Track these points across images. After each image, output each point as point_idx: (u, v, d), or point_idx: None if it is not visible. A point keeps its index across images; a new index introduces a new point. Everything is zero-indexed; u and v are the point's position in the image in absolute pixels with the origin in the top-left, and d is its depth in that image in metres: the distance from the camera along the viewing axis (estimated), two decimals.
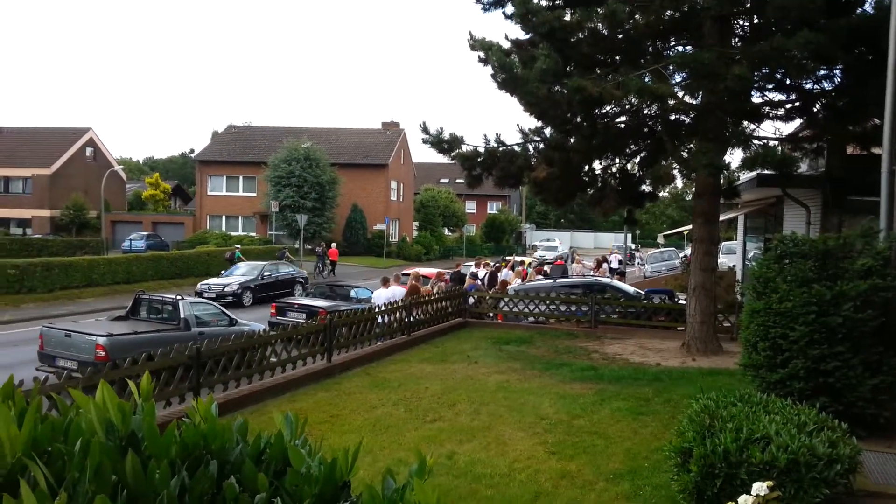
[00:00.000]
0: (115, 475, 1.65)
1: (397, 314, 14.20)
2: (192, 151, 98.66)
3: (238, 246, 35.37)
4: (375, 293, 16.63)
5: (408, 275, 20.58)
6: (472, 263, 24.19)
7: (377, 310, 13.69)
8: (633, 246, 61.04)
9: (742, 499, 4.14)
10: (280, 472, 1.90)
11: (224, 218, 51.34)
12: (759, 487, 4.16)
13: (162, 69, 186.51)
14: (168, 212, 61.76)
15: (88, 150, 53.12)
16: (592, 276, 21.79)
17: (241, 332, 10.57)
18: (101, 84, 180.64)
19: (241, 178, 51.28)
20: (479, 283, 20.52)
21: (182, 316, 12.81)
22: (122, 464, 1.66)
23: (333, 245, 40.19)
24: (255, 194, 49.43)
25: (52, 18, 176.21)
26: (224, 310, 14.27)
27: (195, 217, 52.73)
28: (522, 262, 28.84)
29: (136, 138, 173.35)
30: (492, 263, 24.90)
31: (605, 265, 26.01)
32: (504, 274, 22.48)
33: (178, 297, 13.39)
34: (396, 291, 15.77)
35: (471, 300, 17.81)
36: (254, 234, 48.76)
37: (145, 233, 46.92)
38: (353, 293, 18.45)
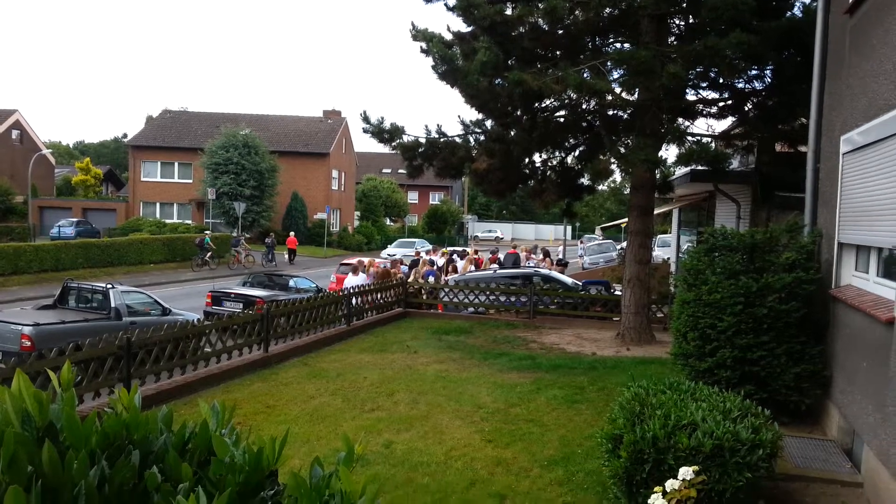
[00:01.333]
0: (31, 466, 1.60)
1: (340, 303, 14.13)
2: (125, 136, 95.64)
3: (208, 232, 35.94)
4: (347, 279, 17.88)
5: (348, 264, 21.16)
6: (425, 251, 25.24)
7: (316, 299, 13.60)
8: (578, 238, 61.96)
9: (669, 483, 4.27)
10: (205, 461, 1.87)
11: (158, 205, 49.95)
12: (686, 472, 4.29)
13: (94, 50, 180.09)
14: (99, 198, 59.61)
15: (14, 133, 50.84)
16: (532, 266, 22.10)
17: (175, 322, 10.33)
18: (29, 65, 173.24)
19: (176, 164, 49.95)
20: (437, 270, 20.95)
21: (113, 305, 12.44)
22: (39, 454, 1.61)
23: (292, 234, 40.33)
24: (191, 181, 48.25)
25: None
26: (157, 299, 13.91)
27: (128, 204, 51.13)
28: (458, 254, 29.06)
29: (66, 122, 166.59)
30: (437, 254, 25.47)
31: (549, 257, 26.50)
32: (460, 263, 23.03)
33: (109, 286, 12.99)
34: (363, 279, 17.16)
35: (411, 290, 17.85)
36: (189, 221, 47.59)
37: (75, 219, 45.14)
38: (291, 283, 18.22)
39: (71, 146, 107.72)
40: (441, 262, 22.99)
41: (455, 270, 21.67)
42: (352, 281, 17.13)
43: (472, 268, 22.52)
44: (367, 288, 15.95)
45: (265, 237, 38.21)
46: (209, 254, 32.63)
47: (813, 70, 8.65)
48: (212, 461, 1.80)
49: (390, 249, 39.41)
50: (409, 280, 18.63)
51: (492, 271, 19.95)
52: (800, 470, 6.35)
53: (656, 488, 4.11)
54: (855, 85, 7.23)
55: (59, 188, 59.04)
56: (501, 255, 24.87)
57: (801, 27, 11.06)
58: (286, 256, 38.27)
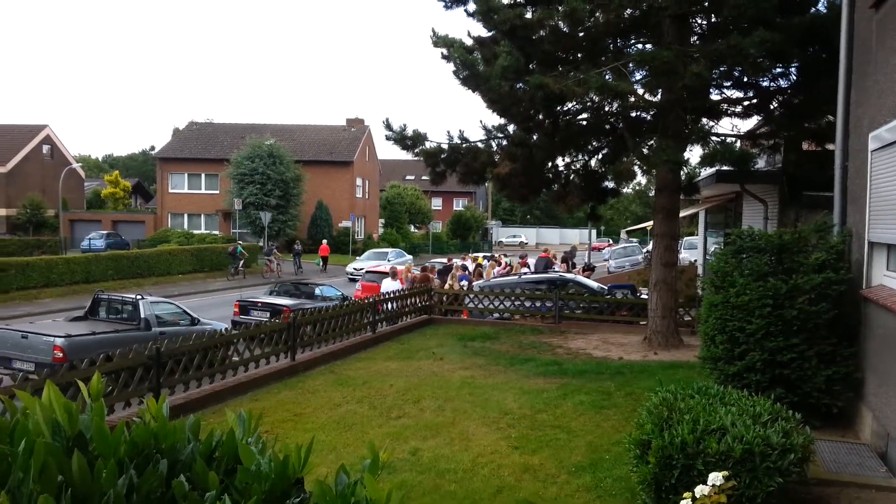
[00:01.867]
0: (62, 475, 1.63)
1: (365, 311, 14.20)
2: (152, 149, 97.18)
3: (240, 242, 37.71)
4: (384, 282, 18.69)
5: (375, 272, 21.83)
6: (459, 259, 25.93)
7: (342, 307, 13.69)
8: (609, 240, 61.65)
9: (698, 489, 4.22)
10: (232, 470, 1.89)
11: (186, 216, 50.62)
12: (715, 477, 4.24)
13: (121, 65, 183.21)
14: (128, 210, 60.62)
15: (45, 148, 51.84)
16: (557, 272, 22.12)
17: (203, 332, 10.44)
18: (59, 81, 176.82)
19: (203, 175, 50.59)
20: (469, 274, 22.04)
21: (142, 315, 12.61)
22: (69, 463, 1.64)
23: (324, 242, 41.12)
24: (217, 192, 48.82)
25: (6, 13, 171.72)
26: (186, 309, 14.08)
27: (156, 215, 51.88)
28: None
29: (94, 136, 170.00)
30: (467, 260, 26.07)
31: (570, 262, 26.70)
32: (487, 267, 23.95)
33: (139, 297, 13.17)
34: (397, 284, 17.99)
35: (436, 297, 17.86)
36: (217, 232, 48.14)
37: (105, 231, 45.89)
38: (317, 291, 18.33)
39: (100, 159, 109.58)
40: (472, 267, 23.52)
41: (481, 276, 21.95)
42: (389, 286, 17.79)
43: (497, 270, 23.00)
44: (393, 295, 15.99)
45: (292, 245, 38.76)
46: (241, 262, 33.20)
47: (839, 66, 8.53)
48: (238, 469, 1.81)
49: (357, 263, 35.83)
50: (445, 287, 19.05)
51: (518, 277, 19.96)
52: (832, 475, 6.24)
53: (685, 494, 4.06)
54: (882, 81, 7.11)
55: (89, 201, 60.06)
56: (531, 261, 25.21)
57: (825, 23, 10.90)
58: (318, 264, 39.04)
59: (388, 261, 32.41)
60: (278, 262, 35.52)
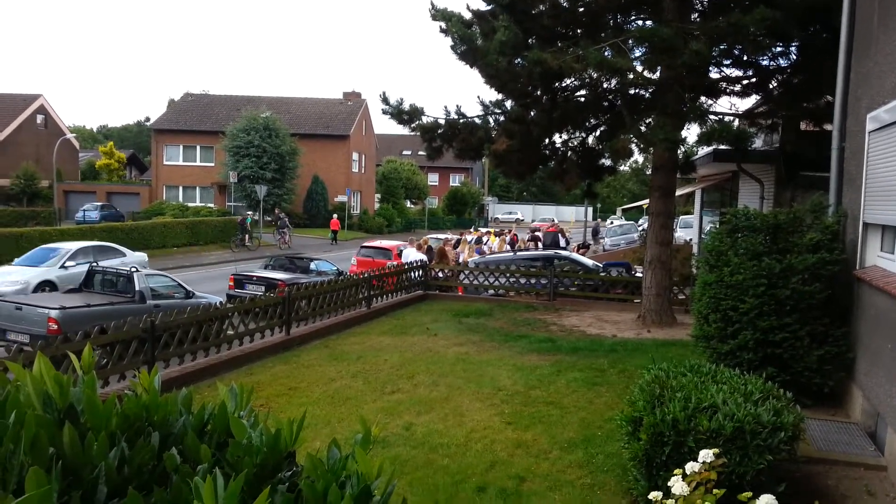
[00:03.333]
0: (53, 447, 1.63)
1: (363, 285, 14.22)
2: (147, 120, 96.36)
3: (249, 213, 38.42)
4: (406, 251, 20.00)
5: (369, 247, 22.27)
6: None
7: (337, 282, 13.69)
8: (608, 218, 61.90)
9: (689, 466, 4.25)
10: (223, 443, 1.89)
11: (181, 188, 50.39)
12: (706, 455, 4.27)
13: (116, 34, 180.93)
14: (123, 182, 60.25)
15: (39, 118, 51.41)
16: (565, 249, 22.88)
17: (198, 305, 10.44)
18: (53, 50, 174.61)
19: (198, 147, 50.29)
20: (486, 248, 23.80)
21: (137, 288, 12.59)
22: (60, 436, 1.64)
23: (335, 216, 41.94)
24: (212, 164, 48.57)
25: None
26: (181, 282, 14.06)
27: (151, 187, 51.61)
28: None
29: (89, 106, 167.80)
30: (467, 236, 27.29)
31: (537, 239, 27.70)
32: (495, 243, 25.29)
33: (133, 269, 13.14)
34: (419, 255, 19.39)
35: (432, 273, 17.89)
36: (212, 204, 47.94)
37: (99, 203, 45.68)
38: (312, 265, 18.30)
39: (94, 130, 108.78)
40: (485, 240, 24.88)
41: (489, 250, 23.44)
42: (414, 255, 19.06)
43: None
44: (388, 271, 15.99)
45: (277, 218, 39.23)
46: (247, 236, 33.50)
47: (839, 46, 8.47)
48: (230, 443, 1.82)
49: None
50: (461, 260, 21.05)
51: (512, 253, 20.03)
52: (822, 453, 6.30)
53: (676, 471, 4.08)
54: (883, 62, 7.06)
55: (83, 172, 59.69)
56: (541, 234, 26.09)
57: (827, 2, 10.80)
58: (331, 238, 40.56)
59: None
60: (290, 234, 36.47)
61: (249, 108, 45.36)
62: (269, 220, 40.46)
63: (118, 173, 61.68)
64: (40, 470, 1.47)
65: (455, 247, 23.41)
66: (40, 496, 1.40)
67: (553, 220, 32.79)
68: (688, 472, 4.02)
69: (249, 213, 38.11)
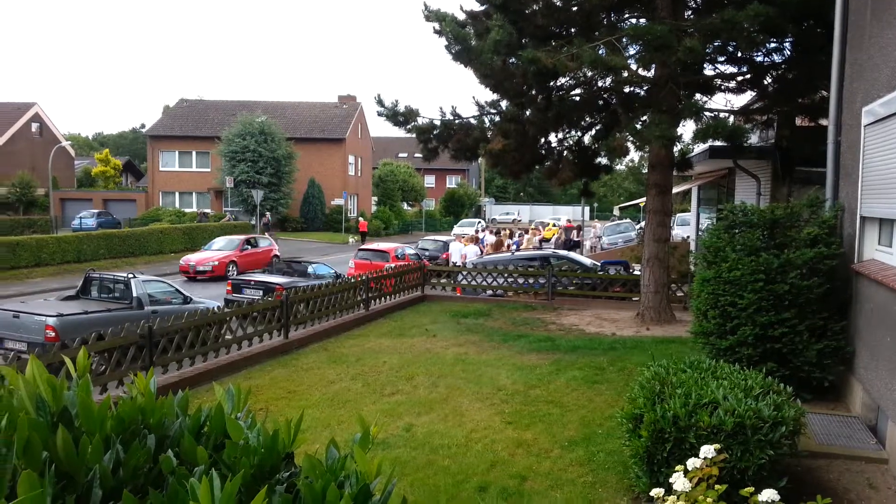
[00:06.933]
0: (46, 450, 1.61)
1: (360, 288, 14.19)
2: (142, 126, 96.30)
3: (268, 212, 41.58)
4: (452, 245, 21.22)
5: (367, 250, 22.24)
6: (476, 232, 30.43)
7: (335, 285, 13.68)
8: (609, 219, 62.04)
9: (690, 462, 4.23)
10: (220, 445, 1.87)
11: (177, 194, 50.30)
12: (707, 450, 4.25)
13: (111, 42, 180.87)
14: (119, 188, 60.17)
15: (34, 126, 51.32)
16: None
17: (196, 310, 10.41)
18: (47, 58, 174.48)
19: (193, 153, 50.21)
20: (516, 245, 25.36)
21: (135, 294, 12.54)
22: (53, 439, 1.61)
23: (361, 218, 43.70)
24: (209, 170, 48.51)
25: None
26: (179, 288, 14.02)
27: (147, 194, 51.51)
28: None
29: (84, 113, 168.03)
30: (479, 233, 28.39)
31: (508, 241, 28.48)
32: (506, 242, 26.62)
33: (131, 276, 13.10)
34: (472, 249, 20.78)
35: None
36: (208, 210, 47.86)
37: (96, 210, 45.60)
38: (310, 269, 18.27)
39: (90, 138, 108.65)
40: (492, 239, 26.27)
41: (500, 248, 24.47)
42: (469, 251, 20.28)
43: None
44: (387, 273, 15.97)
45: (264, 222, 40.19)
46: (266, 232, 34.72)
47: (833, 41, 8.47)
48: (226, 444, 1.79)
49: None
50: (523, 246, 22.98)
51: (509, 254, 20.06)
52: (823, 447, 6.29)
53: (678, 467, 4.07)
54: (877, 55, 7.06)
55: (79, 180, 59.63)
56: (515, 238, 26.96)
57: None
58: (357, 240, 41.64)
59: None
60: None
61: (245, 113, 45.29)
62: (264, 224, 40.45)
63: (114, 180, 61.56)
64: (33, 473, 1.45)
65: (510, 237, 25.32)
66: (33, 499, 1.38)
67: (568, 219, 34.23)
68: (689, 468, 4.00)
69: (269, 212, 40.51)
